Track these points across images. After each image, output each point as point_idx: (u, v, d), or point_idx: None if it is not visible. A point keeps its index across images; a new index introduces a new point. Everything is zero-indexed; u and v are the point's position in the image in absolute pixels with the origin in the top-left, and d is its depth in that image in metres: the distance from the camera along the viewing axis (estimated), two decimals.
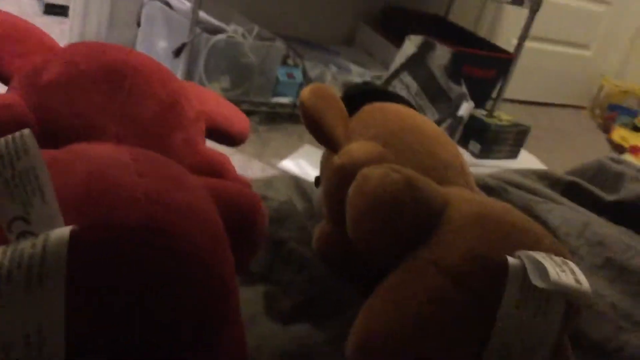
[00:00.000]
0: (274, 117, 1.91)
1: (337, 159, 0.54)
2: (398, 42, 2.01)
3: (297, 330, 0.51)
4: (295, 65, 1.98)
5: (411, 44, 1.94)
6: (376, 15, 2.29)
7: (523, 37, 2.09)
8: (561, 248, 0.46)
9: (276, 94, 1.92)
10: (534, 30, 2.11)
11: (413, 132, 0.56)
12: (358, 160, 0.53)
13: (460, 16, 2.38)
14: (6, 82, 0.48)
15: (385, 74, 1.98)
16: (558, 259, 0.42)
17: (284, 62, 1.94)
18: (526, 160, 2.09)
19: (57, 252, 0.33)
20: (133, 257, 0.35)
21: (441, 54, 1.92)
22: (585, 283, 0.40)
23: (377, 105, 0.60)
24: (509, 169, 0.87)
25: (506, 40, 2.36)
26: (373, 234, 0.46)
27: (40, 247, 0.33)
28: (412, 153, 0.54)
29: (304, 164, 1.77)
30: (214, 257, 0.39)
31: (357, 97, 0.62)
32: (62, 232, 0.34)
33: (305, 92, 0.56)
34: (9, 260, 0.33)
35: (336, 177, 0.54)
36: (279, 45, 1.84)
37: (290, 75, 1.94)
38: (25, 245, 0.33)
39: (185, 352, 0.38)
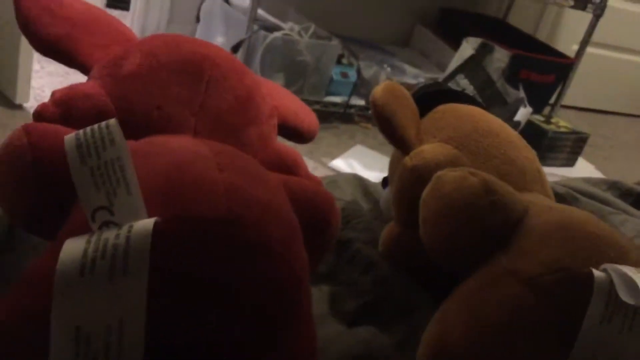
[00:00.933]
0: (327, 116, 1.91)
1: (408, 161, 0.53)
2: (455, 44, 1.98)
3: (363, 333, 0.50)
4: (350, 65, 1.97)
5: (469, 46, 1.90)
6: (433, 17, 2.26)
7: (585, 43, 2.04)
8: None
9: (329, 92, 1.91)
10: (595, 35, 2.05)
11: (488, 135, 0.54)
12: (431, 162, 0.52)
13: (519, 19, 2.33)
14: (86, 73, 0.49)
15: (441, 76, 1.95)
16: None
17: (339, 61, 1.94)
18: (583, 168, 2.03)
19: (141, 243, 0.33)
20: (213, 250, 0.35)
21: (499, 57, 1.88)
22: None
23: (450, 106, 0.59)
24: (577, 177, 0.84)
25: (566, 45, 2.30)
26: (447, 239, 0.45)
27: (124, 238, 0.33)
28: (487, 157, 0.53)
29: (355, 163, 1.76)
30: (290, 253, 0.39)
31: (428, 98, 0.61)
32: (146, 223, 0.33)
33: (378, 90, 0.55)
34: (93, 250, 0.33)
35: (407, 179, 0.53)
36: (335, 44, 1.84)
37: (344, 75, 1.94)
38: (109, 235, 0.33)
39: (259, 346, 0.37)
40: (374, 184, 0.71)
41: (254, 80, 0.50)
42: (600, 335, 0.39)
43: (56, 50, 0.47)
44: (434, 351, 0.41)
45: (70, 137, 0.35)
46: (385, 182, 0.61)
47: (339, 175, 0.72)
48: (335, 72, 1.91)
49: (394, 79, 1.97)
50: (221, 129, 0.45)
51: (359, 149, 1.85)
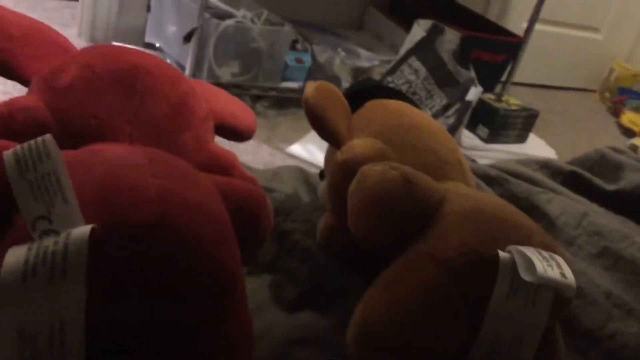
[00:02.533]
0: (283, 102, 1.93)
1: (339, 155, 0.57)
2: (407, 26, 2.02)
3: (302, 318, 0.54)
4: (304, 50, 1.99)
5: (420, 28, 1.94)
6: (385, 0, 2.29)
7: (533, 20, 2.09)
8: (551, 243, 0.48)
9: (285, 78, 1.93)
10: (544, 13, 2.11)
11: (413, 129, 0.58)
12: (359, 157, 0.55)
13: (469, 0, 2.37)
14: (26, 84, 0.51)
15: (394, 59, 1.99)
16: (546, 254, 0.44)
17: (293, 47, 1.96)
18: (535, 144, 2.10)
19: (78, 249, 0.36)
20: (146, 253, 0.38)
21: (450, 39, 1.92)
22: (570, 277, 0.43)
23: (379, 102, 0.63)
24: (510, 159, 0.89)
25: (515, 23, 2.36)
26: (372, 229, 0.49)
27: (62, 245, 0.36)
28: (412, 150, 0.57)
29: (312, 148, 1.79)
30: (220, 250, 0.42)
31: (359, 94, 0.65)
32: (83, 230, 0.36)
33: (309, 89, 0.58)
34: (34, 257, 0.36)
35: (339, 173, 0.56)
36: (288, 30, 1.85)
37: (299, 60, 1.96)
38: (49, 242, 0.36)
39: (194, 340, 0.41)
40: (316, 175, 0.75)
41: (188, 85, 0.53)
42: (506, 310, 0.44)
43: None
44: (360, 333, 0.45)
45: (8, 153, 0.38)
46: (322, 174, 0.65)
47: (282, 168, 0.75)
48: (289, 57, 1.93)
49: (349, 63, 2.00)
50: (156, 135, 0.48)
51: (316, 134, 1.87)
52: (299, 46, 1.99)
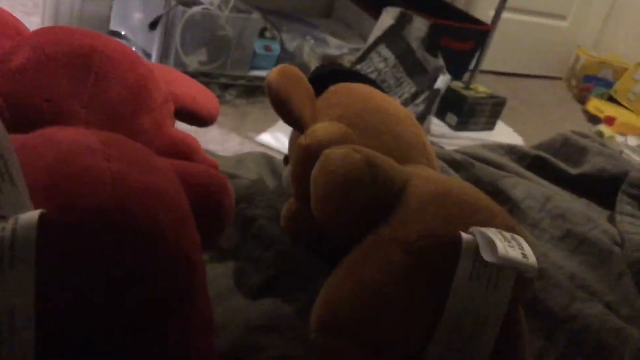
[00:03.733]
0: (252, 91, 1.91)
1: (303, 140, 0.56)
2: (376, 14, 2.02)
3: (266, 304, 0.54)
4: (273, 38, 1.98)
5: (388, 16, 1.94)
6: None
7: (500, 8, 2.11)
8: (513, 224, 0.48)
9: (254, 67, 1.92)
10: (511, 1, 2.12)
11: (377, 112, 0.58)
12: (322, 141, 0.55)
13: None
14: None
15: (364, 47, 1.98)
16: (508, 235, 0.44)
17: (262, 35, 1.94)
18: (502, 131, 2.12)
19: (26, 235, 0.35)
20: (98, 239, 0.37)
21: (418, 26, 1.92)
22: (531, 257, 0.43)
23: (343, 85, 0.62)
24: (477, 144, 0.90)
25: (483, 11, 2.37)
26: (335, 213, 0.48)
27: (10, 231, 0.35)
28: (376, 133, 0.56)
29: (282, 137, 1.78)
30: (178, 236, 0.41)
31: (324, 78, 0.64)
32: (31, 215, 0.35)
33: (273, 73, 0.57)
34: None
35: (302, 157, 0.55)
36: (256, 17, 1.84)
37: (267, 48, 1.94)
38: None
39: (152, 329, 0.40)
40: (281, 161, 0.74)
41: (146, 68, 0.52)
42: (469, 292, 0.44)
43: None
44: (322, 319, 0.45)
45: None
46: (286, 159, 0.64)
47: (247, 154, 0.74)
48: (258, 45, 1.91)
49: (318, 51, 1.99)
50: (112, 119, 0.47)
51: None
52: (267, 34, 1.98)
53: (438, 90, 1.87)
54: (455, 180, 0.51)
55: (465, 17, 2.17)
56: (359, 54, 1.98)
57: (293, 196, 0.59)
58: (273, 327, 0.52)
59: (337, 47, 2.03)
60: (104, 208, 0.37)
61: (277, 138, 1.77)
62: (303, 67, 2.00)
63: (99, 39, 0.49)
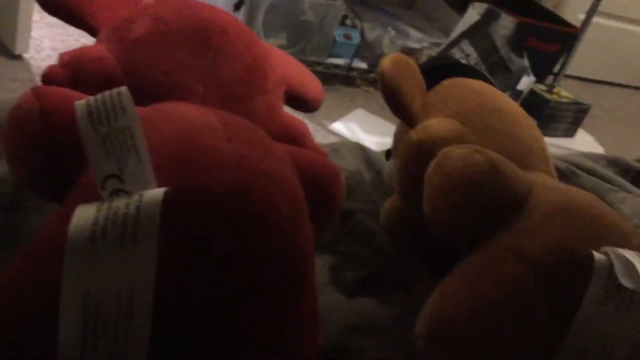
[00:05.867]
0: (329, 78, 1.89)
1: (414, 135, 0.53)
2: (460, 8, 1.96)
3: (362, 303, 0.51)
4: (353, 26, 1.95)
5: (474, 12, 1.88)
6: None
7: (591, 12, 2.01)
8: None
9: (332, 54, 1.89)
10: (602, 5, 2.02)
11: (495, 112, 0.54)
12: (436, 138, 0.52)
13: None
14: (92, 34, 0.48)
15: (445, 41, 1.93)
16: None
17: (342, 23, 1.91)
18: (583, 140, 2.03)
19: (150, 212, 0.33)
20: (220, 221, 0.35)
21: (505, 24, 1.86)
22: None
23: (458, 80, 0.59)
24: (578, 152, 0.85)
25: (572, 14, 2.27)
26: (450, 215, 0.45)
27: (135, 207, 0.33)
28: (493, 134, 0.53)
29: (355, 127, 1.75)
30: (295, 225, 0.39)
31: (434, 71, 0.61)
32: (156, 193, 0.34)
33: (386, 61, 0.55)
34: (104, 217, 0.33)
35: (412, 153, 0.53)
36: (339, 4, 1.81)
37: (347, 37, 1.91)
38: (120, 203, 0.34)
39: (264, 317, 0.38)
40: (377, 153, 0.71)
41: (262, 48, 0.50)
42: (596, 318, 0.40)
43: (64, 9, 0.47)
44: (433, 327, 0.42)
45: (80, 103, 0.35)
46: (389, 154, 0.61)
47: (342, 144, 0.72)
48: (338, 33, 1.88)
49: (398, 43, 1.95)
50: (229, 98, 0.45)
51: (359, 112, 1.84)
52: (348, 22, 1.94)
53: (521, 92, 1.81)
54: (581, 192, 0.47)
55: (553, 18, 2.09)
56: (440, 48, 1.93)
57: (397, 193, 0.56)
58: (369, 328, 0.49)
59: (418, 40, 1.98)
60: (227, 192, 0.36)
61: (349, 128, 1.75)
62: (381, 58, 1.96)
63: (219, 14, 0.47)
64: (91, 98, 0.35)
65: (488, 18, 1.86)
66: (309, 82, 0.57)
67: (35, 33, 1.49)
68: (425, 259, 0.55)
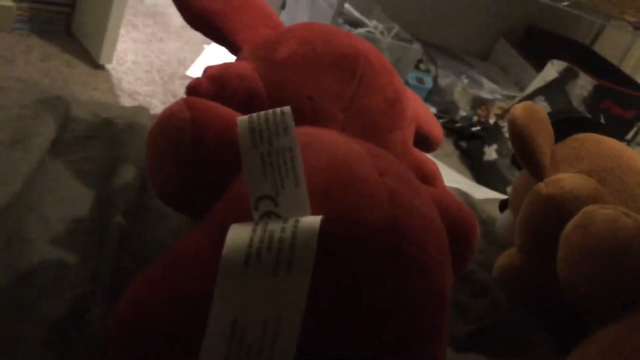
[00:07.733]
0: None
1: (543, 188, 0.50)
2: (536, 63, 1.93)
3: None
4: (427, 71, 1.94)
5: (553, 69, 1.85)
6: (518, 33, 2.21)
7: None
8: None
9: None
10: None
11: (632, 173, 0.51)
12: (569, 194, 0.49)
13: (606, 48, 2.26)
14: (233, 50, 0.47)
15: (519, 95, 1.90)
16: None
17: (416, 66, 1.91)
18: None
19: (307, 241, 0.31)
20: (372, 259, 0.33)
21: (583, 85, 1.82)
22: None
23: (590, 136, 0.56)
24: None
25: None
26: (593, 279, 0.42)
27: (291, 233, 0.31)
28: (631, 195, 0.50)
29: None
30: (442, 271, 0.37)
31: (561, 123, 0.58)
32: (313, 221, 0.32)
33: (519, 109, 0.52)
34: (259, 240, 0.31)
35: (541, 207, 0.50)
36: (416, 48, 1.81)
37: (420, 80, 1.90)
38: (275, 227, 0.32)
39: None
40: (480, 201, 0.68)
41: (400, 82, 0.48)
42: None
43: (208, 24, 0.46)
44: None
45: (243, 119, 0.34)
46: (504, 205, 0.59)
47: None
48: (411, 76, 1.88)
49: (470, 92, 1.93)
50: (368, 129, 0.44)
51: None
52: (422, 66, 1.94)
53: None
54: None
55: (631, 84, 2.04)
56: (513, 101, 1.90)
57: (517, 247, 0.53)
58: None
59: (491, 91, 1.96)
60: (380, 227, 0.34)
61: None
62: (452, 104, 1.94)
63: (364, 44, 0.46)
64: (254, 115, 0.34)
65: (567, 76, 1.83)
66: (434, 123, 0.55)
67: (119, 46, 1.53)
68: (544, 321, 0.51)
